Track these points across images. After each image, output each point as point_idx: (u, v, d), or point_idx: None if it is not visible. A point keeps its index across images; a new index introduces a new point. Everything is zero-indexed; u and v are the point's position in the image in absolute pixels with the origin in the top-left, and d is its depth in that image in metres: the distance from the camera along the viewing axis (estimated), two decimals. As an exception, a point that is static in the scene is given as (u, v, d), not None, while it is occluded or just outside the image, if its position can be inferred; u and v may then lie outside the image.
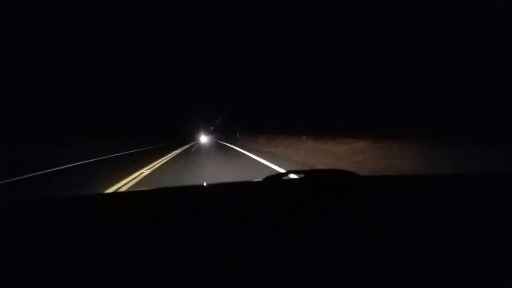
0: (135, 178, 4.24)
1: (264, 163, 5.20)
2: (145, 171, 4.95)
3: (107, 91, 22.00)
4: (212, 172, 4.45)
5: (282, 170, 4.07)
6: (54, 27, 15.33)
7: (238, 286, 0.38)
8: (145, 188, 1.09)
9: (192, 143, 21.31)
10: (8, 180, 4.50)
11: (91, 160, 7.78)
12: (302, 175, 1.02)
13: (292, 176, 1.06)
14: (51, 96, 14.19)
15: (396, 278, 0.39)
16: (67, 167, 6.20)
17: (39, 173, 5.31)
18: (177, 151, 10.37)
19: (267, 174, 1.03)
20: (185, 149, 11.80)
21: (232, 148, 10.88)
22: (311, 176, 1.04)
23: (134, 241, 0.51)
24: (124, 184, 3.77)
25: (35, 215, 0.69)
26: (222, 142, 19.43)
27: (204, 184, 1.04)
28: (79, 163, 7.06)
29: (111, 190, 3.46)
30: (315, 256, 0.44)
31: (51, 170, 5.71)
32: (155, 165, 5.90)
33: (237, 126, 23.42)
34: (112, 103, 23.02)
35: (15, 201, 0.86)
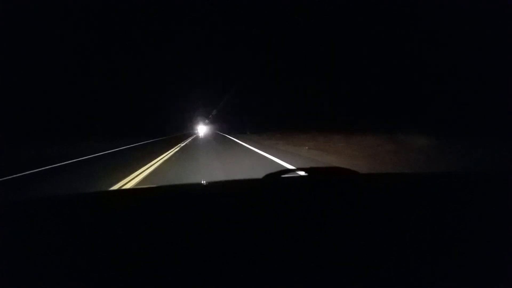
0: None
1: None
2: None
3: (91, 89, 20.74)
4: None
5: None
6: (50, 25, 15.55)
7: (238, 285, 0.38)
8: (146, 186, 1.00)
9: (186, 141, 14.81)
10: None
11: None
12: (302, 173, 1.01)
13: (292, 174, 1.07)
14: (56, 100, 14.70)
15: (397, 276, 0.39)
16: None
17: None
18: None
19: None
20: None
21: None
22: (311, 174, 1.02)
23: (133, 241, 0.51)
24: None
25: (36, 214, 0.69)
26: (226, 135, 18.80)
27: (205, 182, 1.02)
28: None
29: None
30: (315, 255, 0.44)
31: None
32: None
33: (245, 122, 20.09)
34: (106, 101, 22.51)
35: (17, 200, 0.83)
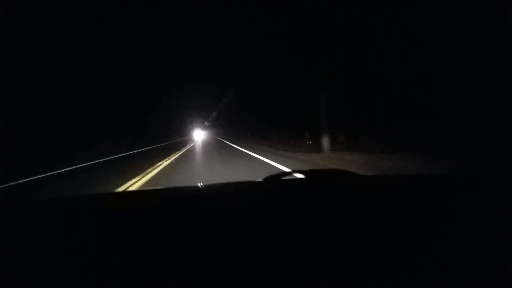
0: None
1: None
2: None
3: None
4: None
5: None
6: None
7: (239, 286, 0.38)
8: (152, 188, 1.20)
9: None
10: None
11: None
12: (302, 175, 1.00)
13: (292, 176, 1.05)
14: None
15: (396, 278, 0.39)
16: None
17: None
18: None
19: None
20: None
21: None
22: (311, 176, 1.04)
23: (132, 243, 0.50)
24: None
25: (40, 216, 0.67)
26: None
27: (207, 184, 0.97)
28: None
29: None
30: (315, 257, 0.44)
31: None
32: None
33: None
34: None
35: (20, 202, 0.83)
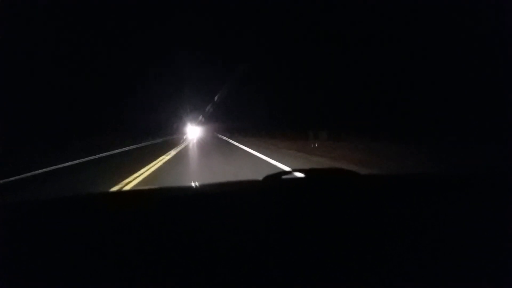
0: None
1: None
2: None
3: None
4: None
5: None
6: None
7: (239, 286, 0.37)
8: (146, 187, 1.27)
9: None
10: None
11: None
12: (302, 174, 1.00)
13: (292, 175, 1.05)
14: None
15: (396, 276, 0.38)
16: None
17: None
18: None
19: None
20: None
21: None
22: (311, 175, 1.03)
23: (129, 243, 0.49)
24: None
25: (37, 216, 0.67)
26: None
27: (198, 184, 0.99)
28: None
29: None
30: (315, 256, 0.43)
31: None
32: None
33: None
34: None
35: (16, 201, 0.81)
